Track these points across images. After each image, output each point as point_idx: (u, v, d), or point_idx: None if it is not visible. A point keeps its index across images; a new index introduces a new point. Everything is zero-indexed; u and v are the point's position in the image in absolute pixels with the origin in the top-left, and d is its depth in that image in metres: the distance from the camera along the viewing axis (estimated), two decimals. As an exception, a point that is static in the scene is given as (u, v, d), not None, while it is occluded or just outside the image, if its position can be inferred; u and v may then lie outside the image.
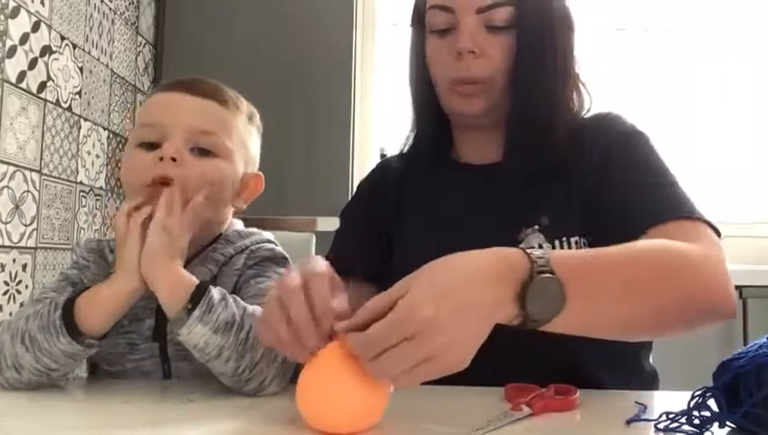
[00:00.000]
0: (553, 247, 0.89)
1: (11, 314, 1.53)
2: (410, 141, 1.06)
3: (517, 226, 0.92)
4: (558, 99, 0.94)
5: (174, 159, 0.85)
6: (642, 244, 0.75)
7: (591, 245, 0.89)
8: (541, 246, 0.89)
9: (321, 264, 0.67)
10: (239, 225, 1.00)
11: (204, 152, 0.89)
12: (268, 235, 0.99)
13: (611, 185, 0.89)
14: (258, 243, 0.95)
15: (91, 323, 0.79)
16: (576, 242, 0.90)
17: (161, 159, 0.85)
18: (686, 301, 0.71)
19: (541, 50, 0.92)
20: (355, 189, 1.13)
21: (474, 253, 0.63)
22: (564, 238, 0.90)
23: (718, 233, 0.82)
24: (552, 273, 0.63)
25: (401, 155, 1.08)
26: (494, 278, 0.61)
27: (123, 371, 0.91)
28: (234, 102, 0.94)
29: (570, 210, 0.91)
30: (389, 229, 1.03)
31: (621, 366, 0.92)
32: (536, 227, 0.91)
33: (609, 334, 0.74)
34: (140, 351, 0.91)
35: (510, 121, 0.95)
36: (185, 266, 0.85)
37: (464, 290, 0.59)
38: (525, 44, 0.91)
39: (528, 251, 0.64)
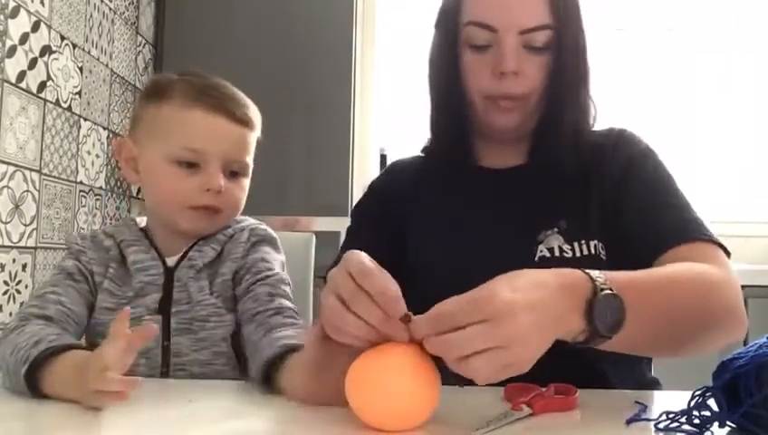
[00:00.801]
0: (572, 249, 0.92)
1: (11, 314, 1.53)
2: (430, 144, 1.07)
3: (537, 226, 0.94)
4: (583, 114, 0.99)
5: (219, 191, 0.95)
6: (679, 268, 0.81)
7: (608, 254, 0.93)
8: (561, 248, 0.92)
9: (365, 259, 0.65)
10: None
11: (233, 174, 0.98)
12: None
13: (630, 203, 0.94)
14: (254, 224, 1.04)
15: (55, 394, 0.76)
16: (595, 246, 0.93)
17: (207, 189, 0.94)
18: (712, 326, 0.81)
19: (577, 70, 0.96)
20: (367, 188, 1.13)
21: (537, 270, 0.66)
22: (583, 241, 0.93)
23: (727, 253, 0.89)
24: (611, 289, 0.67)
25: (419, 157, 1.09)
26: (562, 292, 0.65)
27: None
28: (256, 121, 1.01)
29: (587, 216, 0.95)
30: (403, 229, 1.03)
31: (626, 369, 0.94)
32: (555, 229, 0.94)
33: (648, 351, 0.82)
34: (144, 323, 0.90)
35: (538, 133, 0.98)
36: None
37: (536, 292, 0.62)
38: (561, 66, 0.94)
39: (587, 271, 0.68)
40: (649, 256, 0.87)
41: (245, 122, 0.98)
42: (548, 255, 0.92)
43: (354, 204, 1.14)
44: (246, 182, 1.01)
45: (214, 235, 0.99)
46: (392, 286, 0.62)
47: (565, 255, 0.92)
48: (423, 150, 1.09)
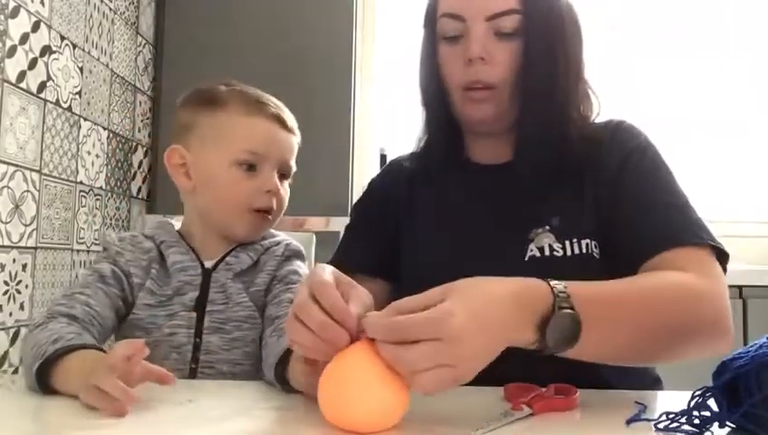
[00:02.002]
0: (563, 248, 0.91)
1: (11, 314, 1.53)
2: (422, 142, 1.07)
3: (528, 225, 0.93)
4: (568, 104, 0.96)
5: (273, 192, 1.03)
6: (654, 281, 0.80)
7: (601, 252, 0.91)
8: (551, 247, 0.91)
9: (326, 272, 0.68)
10: None
11: (281, 177, 1.06)
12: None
13: (625, 199, 0.91)
14: (287, 240, 1.10)
15: (61, 388, 0.78)
16: (587, 245, 0.91)
17: (266, 190, 1.01)
18: (688, 339, 0.79)
19: (549, 56, 0.93)
20: (366, 186, 1.14)
21: (499, 279, 0.67)
22: (575, 240, 0.91)
23: (725, 254, 0.86)
24: (572, 308, 0.67)
25: (413, 155, 1.09)
26: (517, 307, 0.65)
27: (157, 341, 0.96)
28: (297, 129, 1.09)
29: (580, 213, 0.93)
30: (398, 229, 1.04)
31: (626, 371, 0.93)
32: (547, 227, 0.92)
33: (616, 362, 0.80)
34: (179, 318, 0.98)
35: (520, 125, 0.96)
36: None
37: (492, 313, 0.63)
38: (533, 51, 0.92)
39: (552, 284, 0.68)
40: (641, 256, 0.86)
41: (293, 130, 1.07)
42: (538, 254, 0.91)
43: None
44: (287, 184, 1.08)
45: (252, 243, 1.05)
46: (343, 302, 0.64)
47: (556, 254, 0.90)
48: (415, 148, 1.09)
